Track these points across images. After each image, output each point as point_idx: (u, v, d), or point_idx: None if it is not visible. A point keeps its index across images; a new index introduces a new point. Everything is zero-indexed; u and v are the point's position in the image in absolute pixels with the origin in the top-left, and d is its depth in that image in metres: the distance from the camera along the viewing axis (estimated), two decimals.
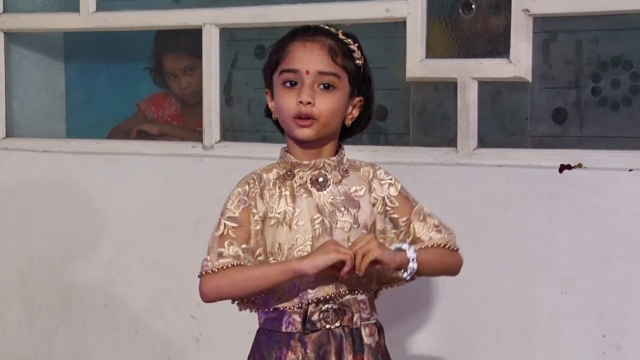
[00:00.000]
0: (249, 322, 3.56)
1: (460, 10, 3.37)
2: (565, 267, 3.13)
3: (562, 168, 3.13)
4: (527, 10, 3.19)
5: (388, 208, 2.45)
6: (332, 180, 2.41)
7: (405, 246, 2.37)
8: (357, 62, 2.40)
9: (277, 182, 2.43)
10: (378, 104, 3.52)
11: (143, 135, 4.03)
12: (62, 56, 4.33)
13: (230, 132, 3.80)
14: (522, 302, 3.19)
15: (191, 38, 3.80)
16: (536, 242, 3.15)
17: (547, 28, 3.27)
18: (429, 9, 3.36)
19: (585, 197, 3.09)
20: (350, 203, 2.41)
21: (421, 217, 2.46)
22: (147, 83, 4.14)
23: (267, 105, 2.51)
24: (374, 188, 2.44)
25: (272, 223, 2.40)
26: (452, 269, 2.54)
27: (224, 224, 2.39)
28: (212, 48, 3.70)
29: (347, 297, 2.38)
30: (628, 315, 3.04)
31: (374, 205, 2.43)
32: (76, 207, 3.91)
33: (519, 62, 3.21)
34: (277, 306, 2.40)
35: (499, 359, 3.22)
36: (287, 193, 2.40)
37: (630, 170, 3.04)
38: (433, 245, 2.45)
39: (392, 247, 2.38)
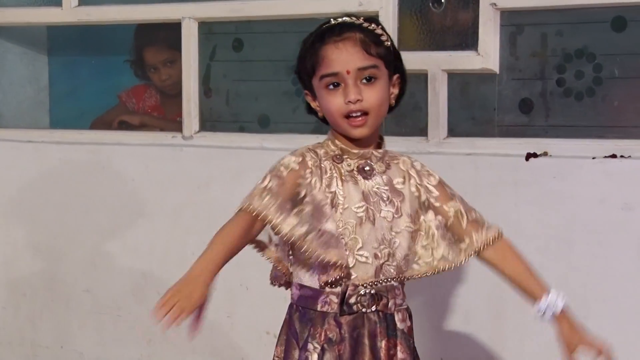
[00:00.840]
0: (229, 306, 3.57)
1: (430, 4, 3.37)
2: (531, 250, 3.11)
3: (529, 156, 3.14)
4: (495, 5, 3.19)
5: (430, 197, 2.44)
6: (377, 170, 2.39)
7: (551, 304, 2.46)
8: (387, 44, 2.38)
9: (329, 161, 2.39)
10: None
11: (124, 126, 4.02)
12: (45, 49, 4.32)
13: (209, 122, 3.79)
14: (491, 285, 3.18)
15: (171, 31, 3.79)
16: (504, 227, 3.14)
17: (513, 21, 3.28)
18: (400, 3, 3.36)
19: (551, 184, 3.10)
20: (394, 193, 2.39)
21: (463, 212, 2.48)
22: (128, 75, 4.13)
23: (307, 104, 2.45)
24: (413, 177, 2.43)
25: (326, 200, 2.36)
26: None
27: (269, 177, 2.32)
28: (191, 41, 3.69)
29: (384, 283, 2.37)
30: (591, 297, 3.05)
31: (416, 195, 2.42)
32: (59, 195, 3.90)
33: (487, 54, 3.22)
34: (312, 286, 2.37)
35: (469, 341, 3.22)
36: (337, 175, 2.37)
37: (593, 158, 3.05)
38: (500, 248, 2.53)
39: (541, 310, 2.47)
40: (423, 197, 2.43)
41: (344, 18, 2.40)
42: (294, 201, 2.30)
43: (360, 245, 2.35)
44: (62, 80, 4.32)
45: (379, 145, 2.43)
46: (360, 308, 2.35)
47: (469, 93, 3.36)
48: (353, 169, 2.39)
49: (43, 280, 3.94)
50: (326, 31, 2.38)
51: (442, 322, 3.25)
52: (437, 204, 2.45)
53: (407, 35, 3.37)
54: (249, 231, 2.31)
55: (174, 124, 3.89)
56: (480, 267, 3.19)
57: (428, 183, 2.45)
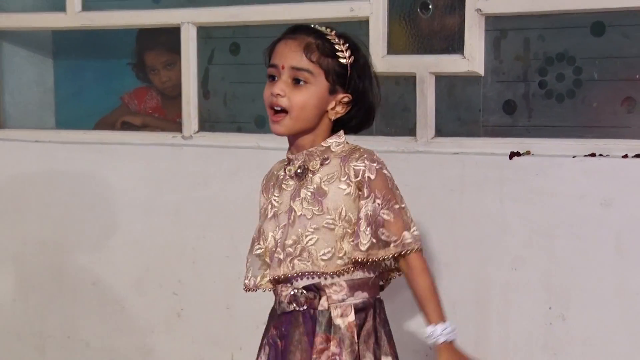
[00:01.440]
0: (227, 298, 3.59)
1: (418, 10, 3.37)
2: (515, 245, 3.14)
3: (512, 155, 3.15)
4: (480, 10, 3.20)
5: (360, 192, 2.35)
6: (310, 170, 2.38)
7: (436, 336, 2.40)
8: (342, 60, 2.36)
9: (278, 174, 2.45)
10: None
11: (127, 126, 4.01)
12: (51, 53, 4.30)
13: (208, 123, 3.79)
14: (477, 277, 3.21)
15: (171, 36, 3.78)
16: (489, 223, 3.17)
17: (497, 26, 3.27)
18: (390, 8, 3.36)
19: (534, 181, 3.11)
20: (321, 190, 2.36)
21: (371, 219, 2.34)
22: (130, 77, 4.12)
23: None
24: (347, 173, 2.35)
25: (265, 212, 2.44)
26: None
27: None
28: (190, 45, 3.70)
29: (319, 280, 2.35)
30: (572, 289, 3.07)
31: (347, 192, 2.35)
32: (65, 193, 3.90)
33: (472, 57, 3.23)
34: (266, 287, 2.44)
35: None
36: (278, 185, 2.42)
37: (573, 157, 3.07)
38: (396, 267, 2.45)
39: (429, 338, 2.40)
40: (355, 193, 2.35)
41: (315, 25, 2.41)
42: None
43: (274, 244, 2.38)
44: (67, 82, 4.30)
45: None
46: (292, 307, 2.37)
47: (455, 95, 3.36)
48: (292, 174, 2.41)
49: (51, 274, 3.94)
50: (289, 29, 2.41)
51: None
52: (361, 202, 2.36)
53: (396, 40, 3.37)
54: None
55: (174, 124, 3.89)
56: (466, 262, 3.22)
57: (361, 179, 2.35)
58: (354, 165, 2.36)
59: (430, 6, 3.34)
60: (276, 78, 2.36)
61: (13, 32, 4.13)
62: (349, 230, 2.35)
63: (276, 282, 2.40)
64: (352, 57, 2.38)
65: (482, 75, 3.26)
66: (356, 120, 2.44)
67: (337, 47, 2.36)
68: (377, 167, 2.37)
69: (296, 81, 2.34)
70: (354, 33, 3.39)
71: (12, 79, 4.17)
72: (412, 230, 2.36)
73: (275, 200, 2.41)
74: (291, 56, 2.34)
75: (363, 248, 2.32)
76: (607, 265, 3.01)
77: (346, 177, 2.36)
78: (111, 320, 3.84)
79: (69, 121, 4.20)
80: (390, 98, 3.48)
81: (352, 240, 2.33)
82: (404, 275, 2.42)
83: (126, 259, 3.80)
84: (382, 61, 3.35)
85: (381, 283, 2.51)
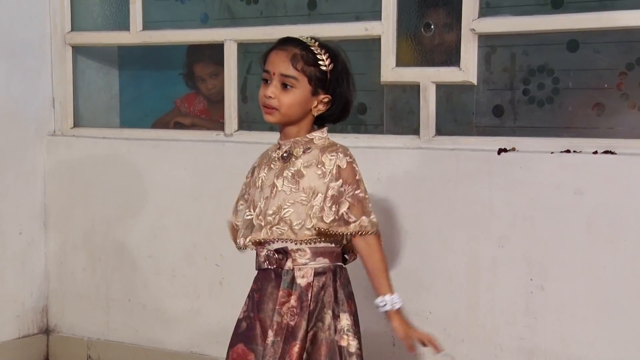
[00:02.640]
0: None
1: (422, 29, 3.35)
2: (501, 226, 3.12)
3: (500, 151, 3.12)
4: (474, 30, 3.18)
5: (330, 177, 2.38)
6: (294, 155, 2.42)
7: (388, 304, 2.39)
8: (322, 67, 2.39)
9: (270, 155, 2.49)
10: (359, 102, 3.53)
11: (178, 126, 4.01)
12: (116, 65, 4.30)
13: (246, 123, 3.78)
14: (468, 253, 3.19)
15: (215, 50, 3.78)
16: (479, 208, 3.15)
17: (488, 43, 3.26)
18: (399, 28, 3.34)
19: (518, 173, 3.08)
20: (299, 172, 2.40)
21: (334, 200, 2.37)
22: (181, 85, 4.11)
23: None
24: (323, 162, 2.39)
25: (255, 185, 2.49)
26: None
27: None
28: (231, 58, 3.69)
29: (287, 245, 2.39)
30: (550, 264, 3.05)
31: (321, 176, 2.38)
32: (127, 180, 3.90)
33: (467, 69, 3.21)
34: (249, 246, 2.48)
35: (451, 298, 3.22)
36: (267, 164, 2.47)
37: (551, 153, 3.04)
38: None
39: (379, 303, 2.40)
40: (326, 179, 2.36)
41: (302, 37, 2.45)
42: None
43: (259, 212, 2.42)
44: (130, 89, 4.31)
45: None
46: (265, 265, 2.42)
47: (452, 100, 3.34)
48: (279, 156, 2.44)
49: (114, 247, 3.94)
50: (280, 40, 2.47)
51: (429, 283, 3.25)
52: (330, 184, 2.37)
53: (404, 54, 3.36)
54: None
55: (217, 124, 3.88)
56: (459, 241, 3.19)
57: (334, 167, 2.37)
58: (329, 156, 2.40)
59: (432, 26, 3.33)
60: (268, 82, 2.41)
61: (86, 48, 4.13)
62: (317, 207, 2.37)
63: (257, 243, 2.44)
64: (332, 65, 2.41)
65: (475, 84, 3.25)
66: (335, 115, 2.48)
67: (318, 56, 2.40)
68: (348, 159, 2.41)
69: (284, 85, 2.39)
70: (368, 49, 3.44)
71: (84, 86, 4.18)
72: (371, 217, 2.40)
73: (263, 176, 2.46)
74: (280, 65, 2.39)
75: (327, 220, 2.36)
76: (579, 244, 2.99)
77: (321, 164, 2.39)
78: (164, 287, 3.84)
79: (131, 121, 4.21)
80: (398, 103, 3.47)
81: (319, 214, 2.37)
82: (360, 255, 2.43)
83: (177, 236, 3.79)
84: (391, 72, 3.34)
85: (346, 256, 2.51)
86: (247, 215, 2.48)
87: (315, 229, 2.37)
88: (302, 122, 2.44)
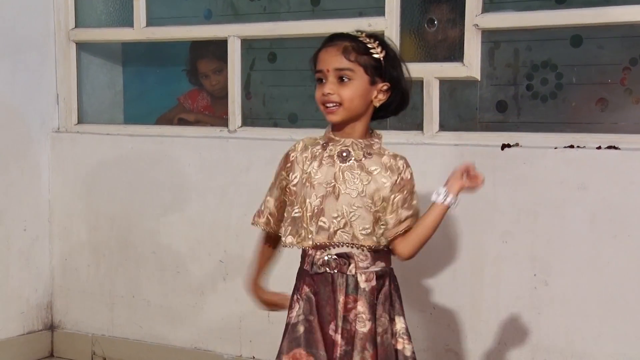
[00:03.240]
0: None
1: (425, 25, 3.35)
2: (505, 222, 3.13)
3: (504, 146, 3.12)
4: (477, 25, 3.18)
5: (394, 186, 2.35)
6: (354, 157, 2.36)
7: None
8: (375, 55, 2.34)
9: (313, 149, 2.40)
10: None
11: (182, 122, 4.00)
12: (120, 61, 4.31)
13: (249, 119, 3.79)
14: (472, 248, 3.19)
15: (219, 47, 3.77)
16: (483, 203, 3.15)
17: (492, 39, 3.26)
18: (402, 24, 3.34)
19: (521, 168, 3.09)
20: (364, 177, 2.34)
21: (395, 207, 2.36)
22: (185, 82, 4.12)
23: None
24: (389, 169, 2.35)
25: (302, 180, 2.39)
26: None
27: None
28: (235, 55, 3.69)
29: (350, 249, 2.34)
30: (553, 259, 3.05)
31: (386, 185, 2.34)
32: (131, 176, 3.91)
33: (470, 65, 3.20)
34: (304, 248, 2.39)
35: (455, 293, 3.22)
36: (319, 158, 2.38)
37: (555, 148, 3.04)
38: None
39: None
40: (390, 188, 2.34)
41: (349, 31, 2.39)
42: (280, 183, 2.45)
43: (322, 214, 2.34)
44: (134, 85, 4.31)
45: (368, 137, 2.39)
46: (324, 269, 2.35)
47: (456, 96, 3.35)
48: (334, 154, 2.37)
49: (118, 243, 3.95)
50: (326, 39, 2.40)
51: (433, 278, 3.25)
52: (391, 196, 2.35)
53: (407, 50, 3.35)
54: None
55: (221, 120, 3.88)
56: (464, 236, 3.19)
57: (396, 180, 2.35)
58: (395, 165, 2.36)
59: (435, 22, 3.33)
60: (324, 80, 2.34)
61: (89, 44, 4.13)
62: (380, 215, 2.35)
63: (315, 247, 2.37)
64: (384, 52, 2.36)
65: (479, 80, 3.24)
66: (395, 104, 2.42)
67: (369, 45, 2.35)
68: (410, 171, 2.40)
69: (341, 79, 2.32)
70: None
71: (88, 82, 4.18)
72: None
73: (313, 171, 2.37)
74: (333, 60, 2.33)
75: (394, 230, 2.35)
76: (583, 239, 2.99)
77: (388, 172, 2.35)
78: (168, 283, 3.85)
79: (135, 117, 4.21)
80: None
81: (383, 224, 2.35)
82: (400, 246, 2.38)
83: (181, 232, 3.80)
84: None
85: None
86: (296, 212, 2.38)
87: (386, 238, 2.35)
88: (362, 119, 2.36)
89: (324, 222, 2.34)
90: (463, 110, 3.36)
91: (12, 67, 3.92)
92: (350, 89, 2.32)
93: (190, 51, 4.07)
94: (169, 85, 4.21)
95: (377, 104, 2.38)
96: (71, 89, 4.08)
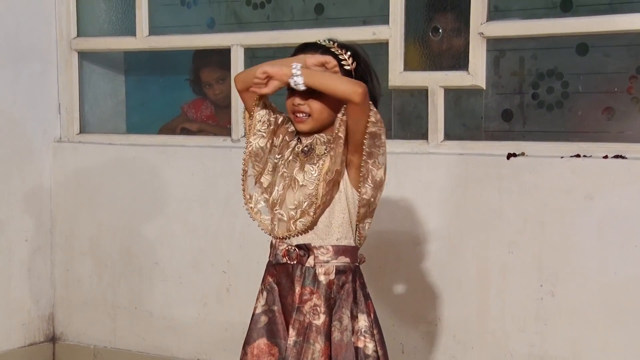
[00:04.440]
0: None
1: (430, 33, 3.36)
2: (511, 232, 3.12)
3: (509, 156, 3.12)
4: (482, 34, 3.18)
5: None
6: (317, 152, 2.36)
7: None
8: (346, 67, 2.34)
9: (289, 135, 2.42)
10: None
11: (185, 131, 4.01)
12: (122, 70, 4.32)
13: None
14: (478, 259, 3.19)
15: (222, 55, 3.78)
16: (489, 213, 3.15)
17: (497, 47, 3.27)
18: (406, 32, 3.35)
19: (527, 178, 3.08)
20: (320, 164, 2.33)
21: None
22: (188, 91, 4.12)
23: None
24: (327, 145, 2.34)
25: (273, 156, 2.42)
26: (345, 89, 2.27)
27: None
28: (238, 63, 3.70)
29: (311, 242, 2.34)
30: (560, 269, 3.05)
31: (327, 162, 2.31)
32: (134, 186, 3.91)
33: (475, 73, 3.21)
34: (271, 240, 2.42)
35: (461, 304, 3.22)
36: (288, 149, 2.40)
37: (561, 157, 3.04)
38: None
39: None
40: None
41: (323, 40, 2.39)
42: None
43: (279, 205, 2.36)
44: (136, 95, 4.32)
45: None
46: (284, 260, 2.37)
47: (461, 105, 3.35)
48: (301, 150, 2.38)
49: (121, 254, 3.95)
50: (298, 48, 2.42)
51: (439, 289, 3.25)
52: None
53: (411, 58, 3.36)
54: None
55: (224, 129, 3.89)
56: (469, 247, 3.19)
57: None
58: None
59: (440, 30, 3.33)
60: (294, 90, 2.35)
61: (91, 53, 4.14)
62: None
63: (276, 236, 2.40)
64: (354, 63, 2.36)
65: (484, 89, 3.25)
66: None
67: (340, 57, 2.35)
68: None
69: (312, 90, 2.32)
70: (376, 53, 3.45)
71: (90, 92, 4.19)
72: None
73: (283, 162, 2.40)
74: None
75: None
76: (590, 250, 2.99)
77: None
78: (171, 294, 3.85)
79: (137, 127, 4.21)
80: (406, 107, 3.47)
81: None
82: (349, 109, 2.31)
83: (184, 242, 3.80)
84: (399, 77, 3.34)
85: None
86: (264, 199, 2.42)
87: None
88: (329, 125, 2.36)
89: (282, 215, 2.36)
90: (468, 120, 3.36)
91: (14, 76, 3.93)
92: (320, 102, 2.33)
93: (194, 60, 4.08)
94: (171, 95, 4.22)
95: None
96: (73, 98, 4.09)
